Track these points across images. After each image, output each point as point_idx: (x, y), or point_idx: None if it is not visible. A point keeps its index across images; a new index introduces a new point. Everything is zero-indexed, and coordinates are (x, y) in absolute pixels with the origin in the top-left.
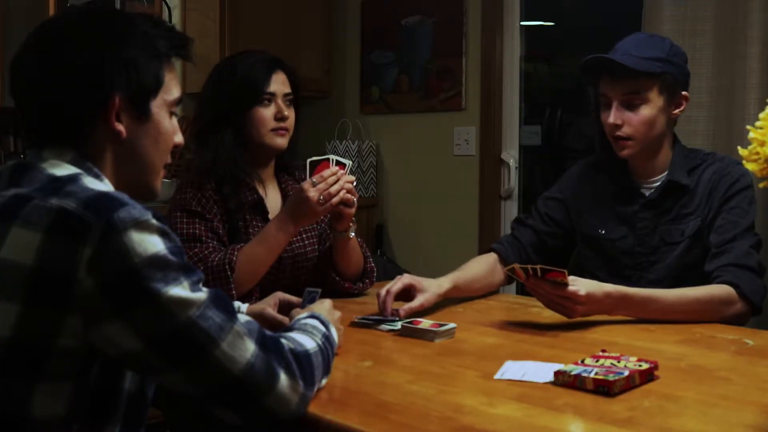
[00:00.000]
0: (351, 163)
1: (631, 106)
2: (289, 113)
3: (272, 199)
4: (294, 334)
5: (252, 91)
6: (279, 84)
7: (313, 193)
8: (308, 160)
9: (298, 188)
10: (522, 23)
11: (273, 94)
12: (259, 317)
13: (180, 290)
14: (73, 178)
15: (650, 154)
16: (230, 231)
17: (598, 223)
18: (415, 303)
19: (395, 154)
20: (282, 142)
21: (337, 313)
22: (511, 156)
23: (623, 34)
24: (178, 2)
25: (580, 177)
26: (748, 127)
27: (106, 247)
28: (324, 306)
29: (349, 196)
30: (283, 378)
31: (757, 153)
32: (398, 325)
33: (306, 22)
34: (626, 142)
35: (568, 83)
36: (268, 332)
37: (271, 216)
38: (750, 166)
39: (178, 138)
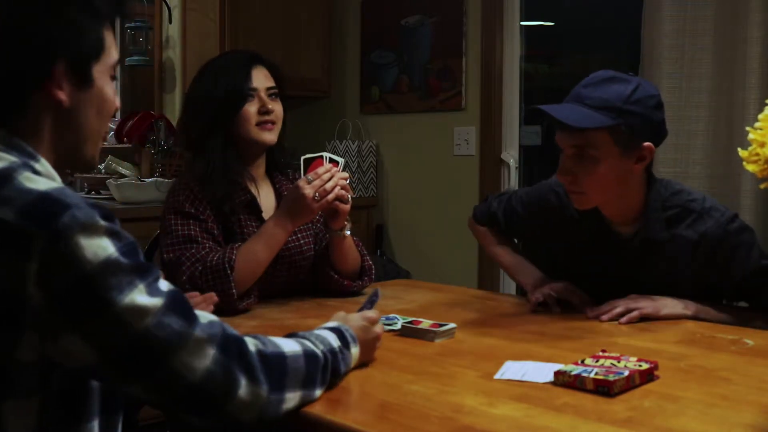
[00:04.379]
0: (344, 160)
1: (581, 159)
2: (274, 106)
3: (265, 197)
4: (276, 338)
5: (235, 90)
6: (260, 78)
7: (308, 190)
8: (302, 158)
9: (294, 186)
10: (522, 23)
11: (255, 89)
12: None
13: (136, 295)
14: (7, 177)
15: (615, 203)
16: (225, 232)
17: (570, 261)
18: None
19: (395, 154)
20: (269, 136)
21: (376, 331)
22: (511, 156)
23: (623, 34)
24: (178, 2)
25: (549, 206)
26: (748, 128)
27: (53, 259)
28: (358, 321)
29: (343, 192)
30: (244, 384)
31: (757, 154)
32: (398, 325)
33: (306, 22)
34: (580, 196)
35: (568, 83)
36: (232, 332)
37: (264, 215)
38: (750, 168)
39: (117, 102)
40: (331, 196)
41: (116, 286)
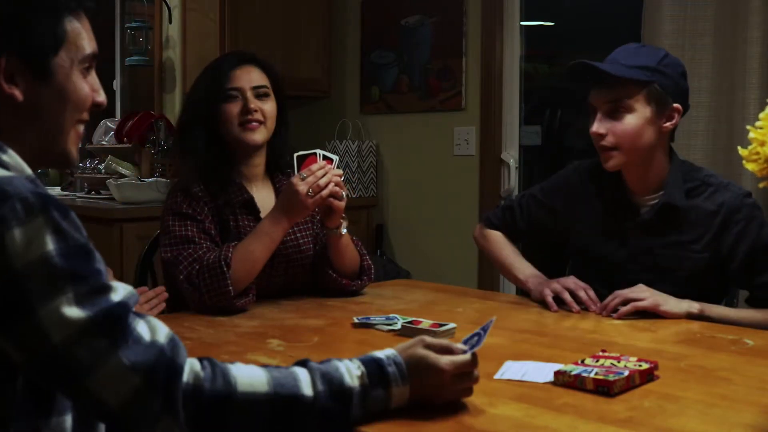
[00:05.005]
0: (337, 158)
1: (615, 114)
2: (261, 105)
3: (264, 198)
4: (242, 370)
5: (216, 89)
6: (246, 78)
7: (302, 187)
8: (295, 155)
9: (288, 183)
10: (522, 23)
11: (238, 89)
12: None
13: (62, 304)
14: None
15: (641, 167)
16: (222, 231)
17: (588, 236)
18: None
19: (395, 154)
20: (254, 136)
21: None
22: (511, 156)
23: (623, 34)
24: (178, 2)
25: (571, 183)
26: (748, 127)
27: None
28: (426, 358)
29: (337, 189)
30: (164, 422)
31: (757, 153)
32: (398, 325)
33: (306, 22)
34: (611, 153)
35: (568, 83)
36: (170, 359)
37: (263, 215)
38: (750, 166)
39: (100, 97)
40: (325, 193)
41: (42, 289)
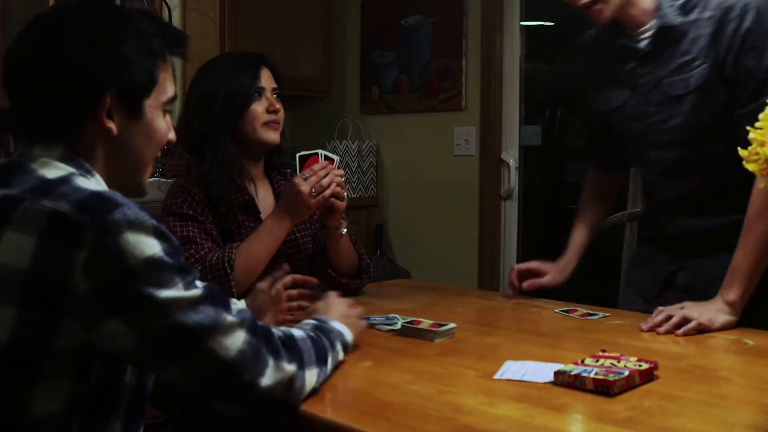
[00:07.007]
0: (338, 159)
1: None
2: (280, 107)
3: (264, 198)
4: (283, 327)
5: (244, 88)
6: (267, 78)
7: (305, 187)
8: (297, 155)
9: (290, 183)
10: (522, 23)
11: (263, 89)
12: (259, 296)
13: (174, 291)
14: (64, 179)
15: (631, 3)
16: (223, 233)
17: (602, 96)
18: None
19: (395, 154)
20: (275, 136)
21: (354, 310)
22: (511, 156)
23: None
24: (178, 2)
25: (591, 44)
26: (748, 127)
27: (101, 251)
28: (336, 309)
29: (339, 189)
30: (272, 363)
31: (757, 153)
32: (398, 325)
33: (306, 22)
34: (597, 7)
35: (568, 83)
36: (259, 322)
37: (263, 216)
38: (750, 167)
39: (171, 135)
40: (327, 192)
41: (157, 282)
